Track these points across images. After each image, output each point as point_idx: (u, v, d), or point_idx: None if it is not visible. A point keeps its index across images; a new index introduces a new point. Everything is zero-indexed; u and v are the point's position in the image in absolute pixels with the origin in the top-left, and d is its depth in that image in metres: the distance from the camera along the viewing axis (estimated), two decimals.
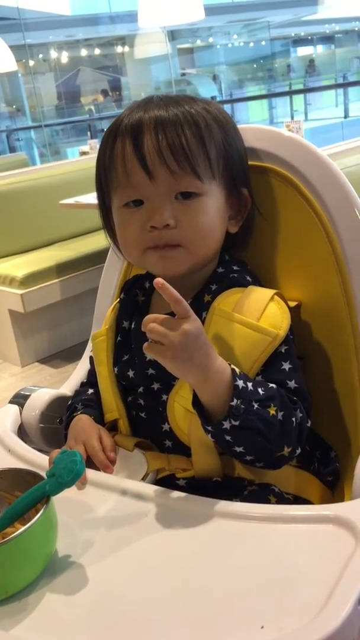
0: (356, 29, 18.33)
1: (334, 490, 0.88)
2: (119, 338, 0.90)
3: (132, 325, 0.89)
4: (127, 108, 0.82)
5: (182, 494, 0.73)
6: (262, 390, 0.73)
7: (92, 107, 14.00)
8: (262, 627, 0.53)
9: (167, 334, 0.68)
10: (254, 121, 12.90)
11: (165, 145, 0.76)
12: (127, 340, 0.89)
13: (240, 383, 0.71)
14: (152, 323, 0.69)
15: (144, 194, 0.79)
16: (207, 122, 0.79)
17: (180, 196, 0.78)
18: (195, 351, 0.69)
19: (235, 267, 0.86)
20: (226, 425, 0.71)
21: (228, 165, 0.82)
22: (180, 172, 0.77)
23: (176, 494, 0.73)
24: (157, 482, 0.78)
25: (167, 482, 0.79)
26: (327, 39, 19.91)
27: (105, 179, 0.84)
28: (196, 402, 0.72)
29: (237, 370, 0.72)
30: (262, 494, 0.78)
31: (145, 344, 0.70)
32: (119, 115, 0.82)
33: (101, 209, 0.88)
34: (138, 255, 0.82)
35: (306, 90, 13.37)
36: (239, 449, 0.73)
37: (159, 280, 0.69)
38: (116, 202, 0.83)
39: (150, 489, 0.74)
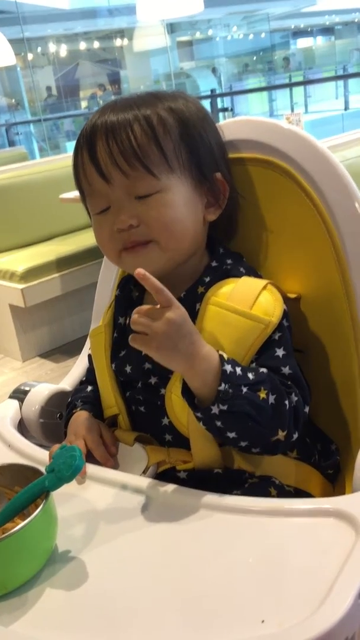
0: (356, 20, 18.25)
1: (335, 483, 0.88)
2: (115, 334, 0.91)
3: (128, 321, 0.88)
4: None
5: (183, 488, 0.73)
6: (252, 375, 0.73)
7: (91, 101, 13.95)
8: (263, 622, 0.53)
9: (150, 324, 0.69)
10: (254, 113, 12.87)
11: (116, 149, 0.77)
12: (123, 336, 0.89)
13: (228, 368, 0.71)
14: (135, 315, 0.69)
15: (107, 199, 0.80)
16: (161, 117, 0.79)
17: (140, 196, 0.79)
18: (179, 339, 0.69)
19: (229, 261, 0.86)
20: (215, 410, 0.70)
21: (192, 155, 0.81)
22: (133, 173, 0.77)
23: (177, 488, 0.73)
24: (157, 476, 0.78)
25: (168, 475, 0.79)
26: (326, 30, 19.81)
27: (79, 189, 0.85)
28: (185, 390, 0.72)
29: (225, 355, 0.73)
30: (263, 486, 0.78)
31: (131, 336, 0.70)
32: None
33: (89, 217, 0.88)
34: (115, 258, 0.84)
35: (305, 83, 13.27)
36: (231, 435, 0.73)
37: (140, 271, 0.69)
38: (90, 210, 0.85)
39: (150, 483, 0.74)
